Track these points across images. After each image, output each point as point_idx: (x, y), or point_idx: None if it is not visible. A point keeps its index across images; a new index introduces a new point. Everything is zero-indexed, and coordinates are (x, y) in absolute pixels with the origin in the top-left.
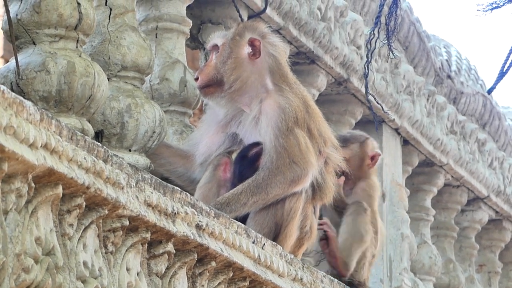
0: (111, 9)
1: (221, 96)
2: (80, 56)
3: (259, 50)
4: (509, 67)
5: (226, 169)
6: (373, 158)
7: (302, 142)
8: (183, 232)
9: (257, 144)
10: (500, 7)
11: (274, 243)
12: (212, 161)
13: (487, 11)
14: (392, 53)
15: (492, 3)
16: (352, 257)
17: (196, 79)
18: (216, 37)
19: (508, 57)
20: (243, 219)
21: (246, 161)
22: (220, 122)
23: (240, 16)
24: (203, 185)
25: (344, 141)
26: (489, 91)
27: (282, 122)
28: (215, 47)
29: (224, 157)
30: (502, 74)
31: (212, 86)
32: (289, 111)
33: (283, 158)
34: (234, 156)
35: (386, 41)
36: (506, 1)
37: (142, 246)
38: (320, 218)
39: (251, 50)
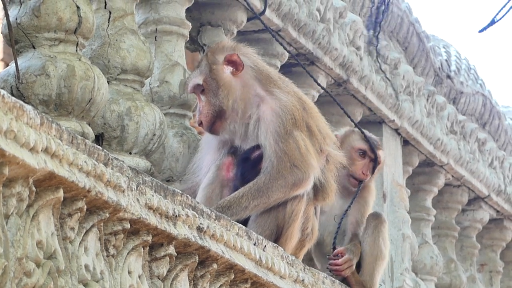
0: (110, 12)
1: (229, 123)
2: (79, 60)
3: (240, 62)
4: (502, 16)
5: (229, 168)
6: (380, 164)
7: (302, 145)
8: (184, 235)
9: (259, 146)
10: (495, 22)
11: (275, 244)
12: (215, 162)
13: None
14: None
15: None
16: (375, 279)
17: (200, 124)
18: (194, 78)
19: (503, 6)
20: (244, 222)
21: (249, 163)
22: (220, 139)
23: (252, 10)
24: (206, 186)
25: (378, 143)
26: (480, 31)
27: (280, 126)
28: (199, 86)
29: (227, 157)
30: (492, 22)
31: (217, 121)
32: (285, 113)
33: (283, 162)
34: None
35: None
36: (501, 16)
37: (143, 249)
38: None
39: (231, 68)
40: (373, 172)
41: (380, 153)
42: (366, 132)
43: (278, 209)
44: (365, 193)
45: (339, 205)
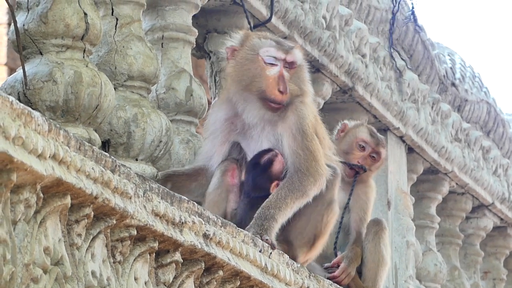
0: (117, 19)
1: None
2: (87, 66)
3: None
4: None
5: (233, 174)
6: (379, 162)
7: (319, 146)
8: (191, 241)
9: (266, 151)
10: None
11: (281, 251)
12: (219, 167)
13: None
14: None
15: None
16: (379, 284)
17: (283, 92)
18: (297, 56)
19: None
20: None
21: (259, 168)
22: (226, 130)
23: (249, 23)
24: (212, 191)
25: (383, 141)
26: None
27: (307, 126)
28: (294, 63)
29: (231, 163)
30: None
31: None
32: (309, 115)
33: (310, 160)
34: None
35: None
36: None
37: (150, 255)
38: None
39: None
40: (371, 169)
41: (382, 150)
42: (374, 129)
43: (317, 218)
44: (366, 188)
45: (340, 199)
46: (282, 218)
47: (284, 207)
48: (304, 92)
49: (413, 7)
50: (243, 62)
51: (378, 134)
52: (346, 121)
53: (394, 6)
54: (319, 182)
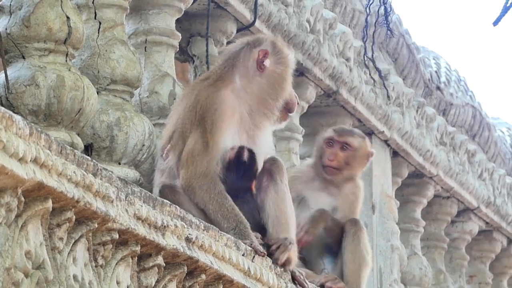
0: (100, 23)
1: None
2: (69, 70)
3: None
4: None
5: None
6: (369, 157)
7: None
8: (173, 245)
9: (243, 148)
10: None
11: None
12: None
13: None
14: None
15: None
16: (361, 285)
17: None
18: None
19: None
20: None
21: (244, 166)
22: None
23: (207, 46)
24: None
25: (351, 131)
26: (495, 24)
27: None
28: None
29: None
30: (506, 9)
31: None
32: None
33: None
34: None
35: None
36: (507, 7)
37: (132, 259)
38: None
39: None
40: (348, 162)
41: (350, 139)
42: (345, 127)
43: None
44: (354, 188)
45: (322, 199)
46: None
47: None
48: None
49: (385, 9)
50: None
51: (355, 130)
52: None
53: (368, 5)
54: None
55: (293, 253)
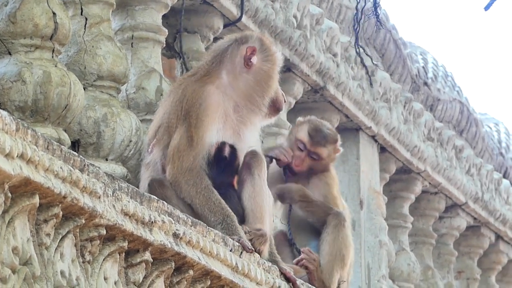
0: (86, 19)
1: None
2: (56, 66)
3: None
4: None
5: None
6: (337, 152)
7: None
8: (160, 241)
9: (224, 144)
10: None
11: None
12: None
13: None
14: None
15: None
16: (334, 278)
17: None
18: None
19: None
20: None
21: (225, 162)
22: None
23: (180, 43)
24: None
25: (324, 140)
26: (486, 8)
27: None
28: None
29: None
30: None
31: None
32: None
33: None
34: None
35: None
36: None
37: (119, 255)
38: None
39: None
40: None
41: (320, 150)
42: (320, 126)
43: None
44: (325, 178)
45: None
46: None
47: None
48: None
49: (375, 2)
50: None
51: (326, 131)
52: (300, 118)
53: (358, 2)
54: None
55: (265, 245)
